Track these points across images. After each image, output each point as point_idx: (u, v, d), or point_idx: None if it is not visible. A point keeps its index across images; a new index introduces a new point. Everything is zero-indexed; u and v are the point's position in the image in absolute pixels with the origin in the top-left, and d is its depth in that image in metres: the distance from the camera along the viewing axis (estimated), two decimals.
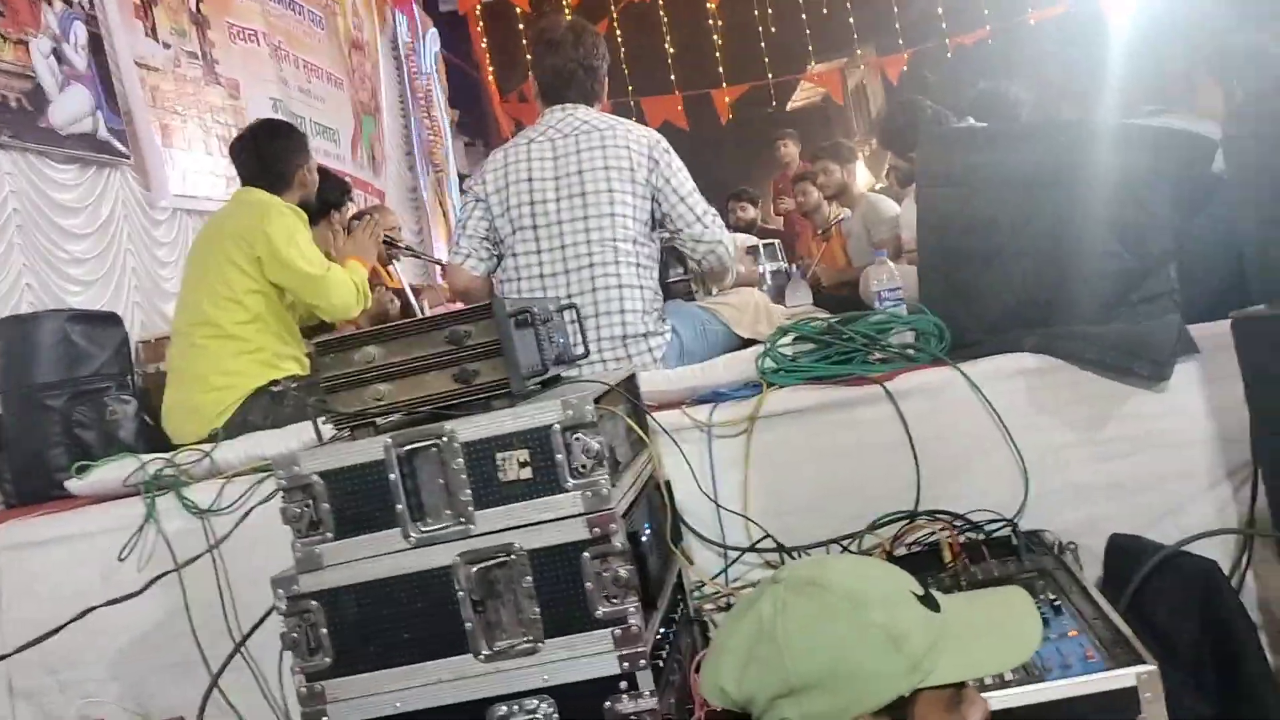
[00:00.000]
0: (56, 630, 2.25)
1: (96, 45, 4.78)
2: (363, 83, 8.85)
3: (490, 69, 11.69)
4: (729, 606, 2.19)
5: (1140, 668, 1.49)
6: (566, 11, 10.12)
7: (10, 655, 2.27)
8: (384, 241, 4.27)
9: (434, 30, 11.04)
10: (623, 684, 1.57)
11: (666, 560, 1.95)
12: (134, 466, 2.50)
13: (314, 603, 1.62)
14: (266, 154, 3.19)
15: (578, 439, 1.59)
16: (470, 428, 1.61)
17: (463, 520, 1.61)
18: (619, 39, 10.57)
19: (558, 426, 1.59)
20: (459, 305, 3.09)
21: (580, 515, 1.58)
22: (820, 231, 6.13)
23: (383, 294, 3.90)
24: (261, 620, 1.93)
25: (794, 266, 5.01)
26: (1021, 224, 2.29)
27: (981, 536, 2.08)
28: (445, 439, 1.61)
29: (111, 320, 3.44)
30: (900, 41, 12.47)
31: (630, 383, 2.17)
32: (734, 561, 2.25)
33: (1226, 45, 2.80)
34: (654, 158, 2.84)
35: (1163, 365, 2.04)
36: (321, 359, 1.72)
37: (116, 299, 4.51)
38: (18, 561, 2.44)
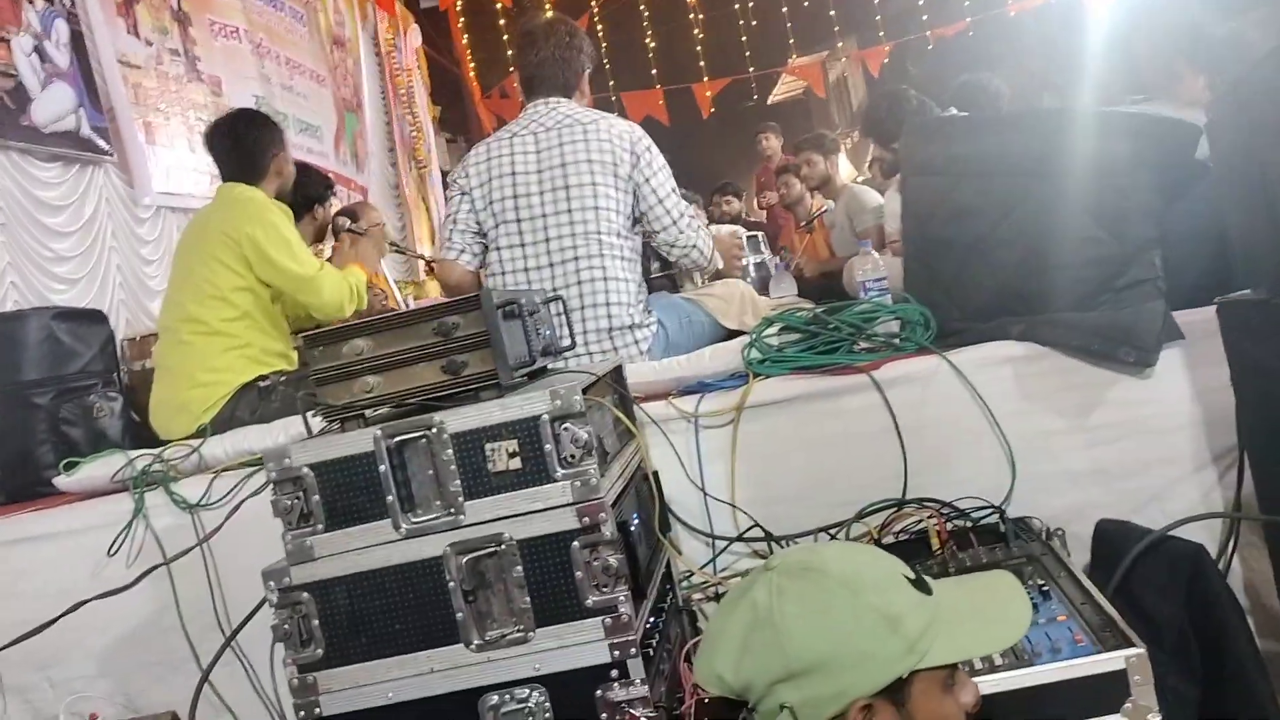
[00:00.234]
0: (49, 624, 2.24)
1: (78, 43, 4.75)
2: (345, 79, 8.82)
3: (471, 65, 11.67)
4: (718, 596, 2.20)
5: (1129, 651, 1.50)
6: (547, 7, 10.10)
7: (1, 650, 2.26)
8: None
9: (415, 26, 11.00)
10: (613, 672, 1.58)
11: (655, 550, 1.96)
12: (122, 463, 2.49)
13: (305, 594, 1.63)
14: (243, 143, 3.16)
15: (566, 429, 1.59)
16: (459, 419, 1.62)
17: (453, 511, 1.61)
18: (600, 34, 10.56)
19: (546, 417, 1.60)
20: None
21: (570, 505, 1.59)
22: (803, 224, 6.14)
23: (375, 298, 3.89)
24: (253, 613, 1.93)
25: (777, 259, 5.01)
26: (1005, 212, 2.30)
27: (969, 524, 2.09)
28: (434, 430, 1.61)
29: (97, 318, 3.42)
30: (881, 34, 12.51)
31: (617, 374, 2.17)
32: (722, 551, 2.26)
33: (1205, 34, 2.81)
34: (636, 153, 2.84)
35: (1148, 351, 2.06)
36: (310, 351, 1.71)
37: (101, 296, 4.49)
38: (6, 559, 2.43)
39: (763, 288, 4.02)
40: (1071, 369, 2.16)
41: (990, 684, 1.49)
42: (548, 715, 1.59)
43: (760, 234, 4.83)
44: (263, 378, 2.91)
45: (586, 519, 1.58)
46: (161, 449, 2.57)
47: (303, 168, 3.93)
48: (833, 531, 2.17)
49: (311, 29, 8.18)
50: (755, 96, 13.36)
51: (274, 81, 7.15)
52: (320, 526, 1.63)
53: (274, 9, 7.43)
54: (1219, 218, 1.98)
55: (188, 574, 2.30)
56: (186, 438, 2.70)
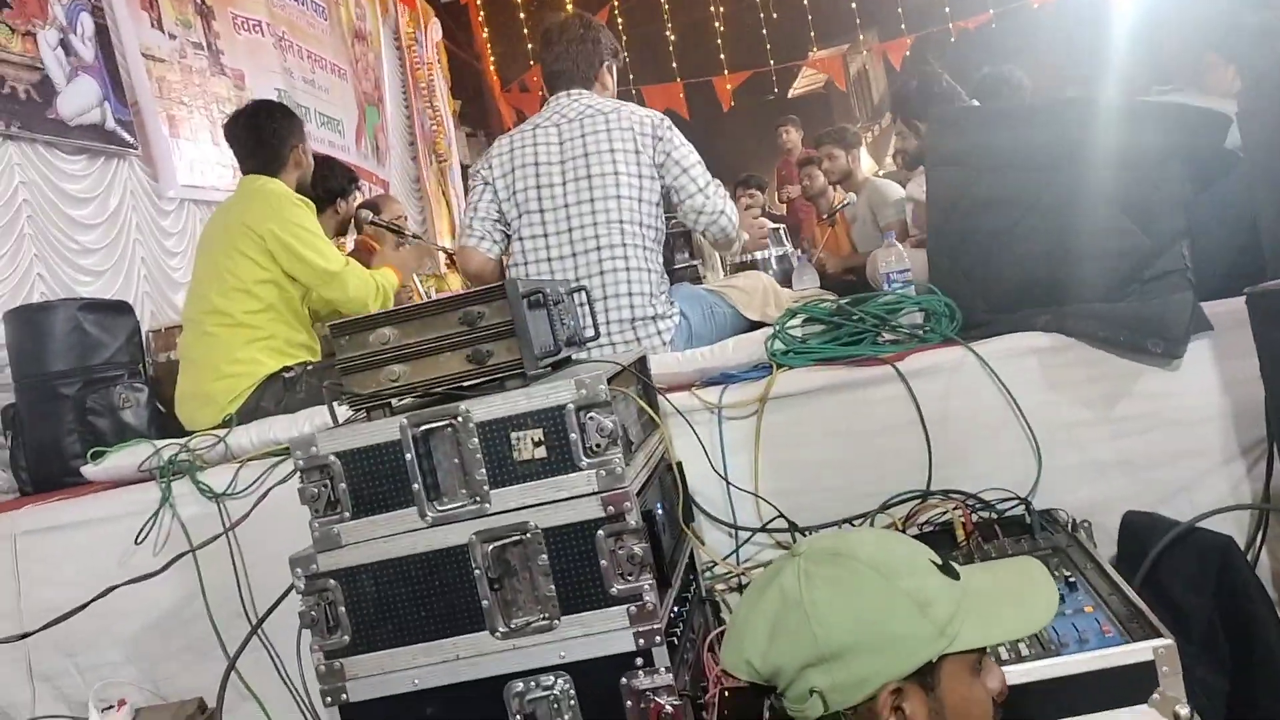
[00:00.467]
0: (79, 609, 2.26)
1: (103, 36, 4.77)
2: (366, 73, 8.84)
3: (491, 59, 11.68)
4: (741, 587, 2.20)
5: (1157, 641, 1.49)
6: (568, 3, 10.11)
7: (32, 634, 2.28)
8: (391, 230, 4.28)
9: (435, 20, 11.02)
10: (639, 660, 1.58)
11: (679, 540, 1.96)
12: (148, 452, 2.51)
13: (332, 581, 1.64)
14: (263, 133, 3.18)
15: (591, 418, 1.60)
16: (485, 408, 1.62)
17: (478, 499, 1.62)
18: (620, 27, 10.55)
19: (571, 406, 1.60)
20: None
21: (594, 494, 1.59)
22: (825, 216, 6.12)
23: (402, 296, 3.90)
24: (280, 600, 1.94)
25: (799, 251, 5.00)
26: (1031, 203, 2.28)
27: (994, 515, 2.08)
28: (460, 419, 1.62)
29: (123, 309, 3.45)
30: (903, 26, 12.43)
31: (641, 364, 2.18)
32: (745, 541, 2.25)
33: (1235, 24, 2.79)
34: (658, 135, 2.85)
35: (1176, 342, 2.04)
36: (337, 340, 1.72)
37: (126, 288, 4.52)
38: (36, 546, 2.46)
39: (784, 280, 4.01)
40: (1098, 360, 2.14)
41: (1018, 674, 1.49)
42: (573, 703, 1.60)
43: (781, 226, 4.82)
44: (287, 369, 2.92)
45: (611, 508, 1.58)
46: (188, 439, 2.59)
47: (326, 161, 3.96)
48: (857, 522, 2.17)
49: (333, 23, 8.21)
50: (776, 90, 13.30)
51: (296, 75, 7.18)
52: (347, 514, 1.64)
53: (296, 2, 7.46)
54: (1249, 208, 1.97)
55: (214, 562, 2.31)
56: (212, 428, 2.72)
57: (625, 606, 1.58)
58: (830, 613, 1.16)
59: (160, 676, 2.41)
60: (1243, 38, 2.68)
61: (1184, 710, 1.47)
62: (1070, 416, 2.16)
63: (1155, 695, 1.48)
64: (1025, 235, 2.30)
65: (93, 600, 2.26)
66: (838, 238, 5.73)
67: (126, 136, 4.85)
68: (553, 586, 1.60)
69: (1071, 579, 1.74)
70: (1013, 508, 2.09)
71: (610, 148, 2.82)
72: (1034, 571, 1.33)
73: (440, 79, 10.92)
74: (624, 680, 1.58)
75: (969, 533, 2.00)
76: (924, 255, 2.69)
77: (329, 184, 3.97)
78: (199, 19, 5.86)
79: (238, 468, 2.40)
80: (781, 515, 2.22)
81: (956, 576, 1.23)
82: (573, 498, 1.60)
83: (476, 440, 1.62)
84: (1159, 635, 1.50)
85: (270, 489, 2.31)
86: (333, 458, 1.64)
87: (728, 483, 2.25)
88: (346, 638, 1.64)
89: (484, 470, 1.62)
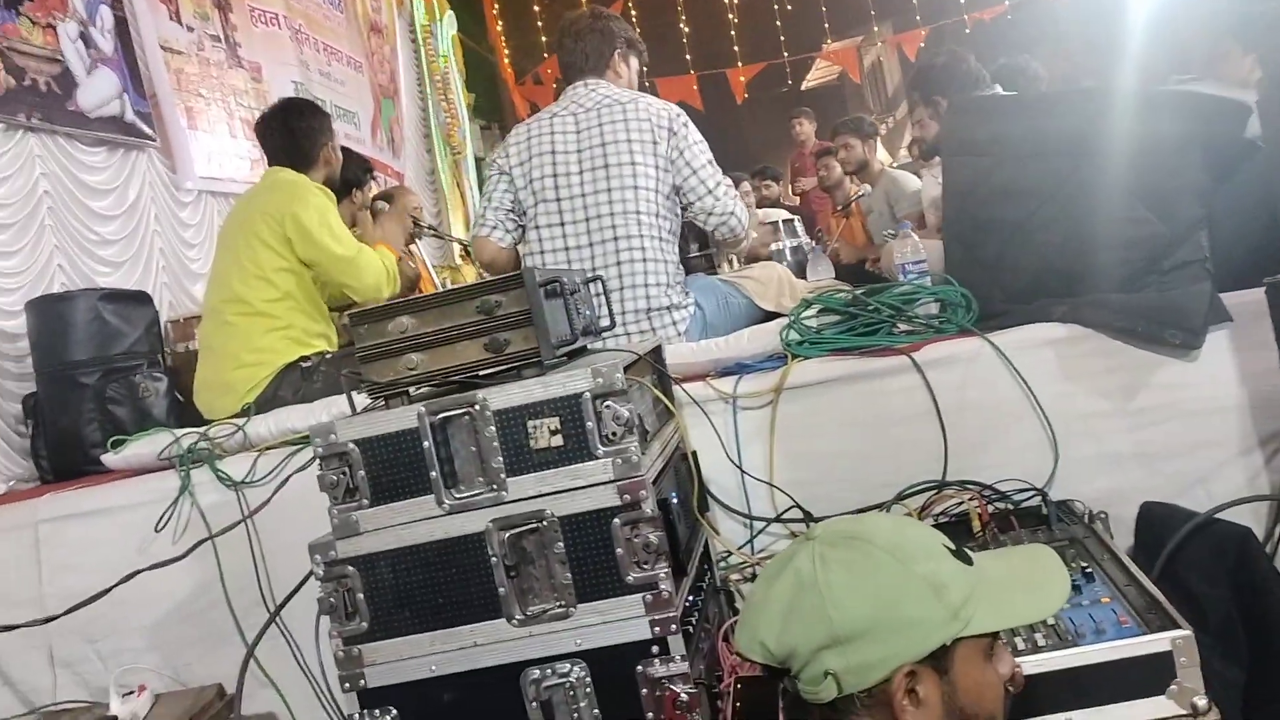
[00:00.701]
0: (102, 594, 2.28)
1: (122, 29, 4.79)
2: (381, 66, 8.85)
3: (506, 52, 11.68)
4: (754, 576, 2.20)
5: (1175, 633, 1.48)
6: None
7: (55, 619, 2.30)
8: (432, 233, 4.31)
9: (450, 13, 11.02)
10: (654, 648, 1.59)
11: (694, 529, 1.96)
12: (168, 441, 2.53)
13: (351, 568, 1.65)
14: (294, 132, 3.22)
15: (608, 407, 1.60)
16: (502, 396, 1.63)
17: (495, 487, 1.63)
18: (634, 19, 10.52)
19: (588, 394, 1.60)
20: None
21: (611, 482, 1.60)
22: (840, 208, 6.11)
23: (405, 265, 3.92)
24: (299, 587, 1.95)
25: (814, 242, 4.99)
26: (1049, 192, 2.27)
27: (1010, 506, 2.08)
28: (478, 407, 1.62)
29: (142, 299, 3.48)
30: (918, 18, 12.36)
31: (657, 354, 2.18)
32: (761, 531, 2.26)
33: (1255, 13, 2.77)
34: (673, 129, 2.86)
35: (1195, 333, 2.03)
36: (356, 329, 1.73)
37: (145, 279, 4.53)
38: (57, 534, 2.48)
39: (799, 271, 4.01)
40: (1115, 351, 2.13)
41: (1035, 664, 1.48)
42: (589, 690, 1.61)
43: (796, 217, 4.81)
44: (305, 358, 2.95)
45: (627, 496, 1.58)
46: (207, 427, 2.61)
47: (343, 152, 3.97)
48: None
49: (349, 15, 8.21)
50: (790, 82, 13.25)
51: (312, 68, 7.19)
52: (365, 501, 1.65)
53: None
54: (1269, 197, 1.95)
55: (233, 550, 2.33)
56: (230, 417, 2.74)
57: (641, 594, 1.59)
58: (845, 595, 1.16)
59: (180, 663, 2.43)
60: (1261, 26, 2.67)
61: (1202, 701, 1.46)
62: (1087, 407, 2.15)
63: (1173, 686, 1.47)
64: (1042, 225, 2.29)
65: (115, 585, 2.28)
66: (853, 229, 5.72)
67: (145, 128, 4.86)
68: (569, 574, 1.60)
69: (1088, 570, 1.73)
70: (1029, 499, 2.09)
71: (628, 138, 2.82)
72: (1046, 558, 1.33)
73: (455, 71, 10.93)
74: (640, 668, 1.59)
75: (985, 523, 2.00)
76: (939, 245, 2.68)
77: (345, 174, 3.98)
78: (216, 11, 5.87)
79: (256, 456, 2.42)
80: (796, 505, 2.22)
81: (970, 562, 1.24)
82: (589, 486, 1.61)
83: (494, 428, 1.62)
84: (1176, 626, 1.49)
85: (289, 477, 2.32)
86: (352, 445, 1.65)
87: (743, 472, 2.26)
88: (365, 624, 1.65)
89: (501, 458, 1.62)
